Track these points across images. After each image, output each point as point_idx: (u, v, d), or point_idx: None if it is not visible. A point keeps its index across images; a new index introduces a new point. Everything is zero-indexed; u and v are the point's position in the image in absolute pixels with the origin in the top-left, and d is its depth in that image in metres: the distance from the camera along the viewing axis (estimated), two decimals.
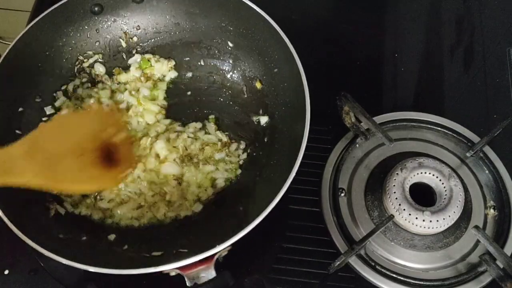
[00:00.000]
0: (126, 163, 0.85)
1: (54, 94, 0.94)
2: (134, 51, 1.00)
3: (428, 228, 0.84)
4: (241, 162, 0.92)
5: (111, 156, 0.82)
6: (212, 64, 1.00)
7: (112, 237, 0.83)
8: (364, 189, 0.93)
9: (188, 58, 1.01)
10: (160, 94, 0.98)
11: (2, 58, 0.85)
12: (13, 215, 0.74)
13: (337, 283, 0.87)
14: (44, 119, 0.92)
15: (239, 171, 0.91)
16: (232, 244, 0.71)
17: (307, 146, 0.77)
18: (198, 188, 0.88)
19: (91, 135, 0.82)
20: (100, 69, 0.98)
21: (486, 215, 0.91)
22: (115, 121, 0.88)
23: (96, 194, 0.87)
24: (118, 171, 0.83)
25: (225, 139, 0.93)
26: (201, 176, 0.89)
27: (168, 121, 0.95)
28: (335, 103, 0.98)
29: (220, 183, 0.89)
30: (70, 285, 0.86)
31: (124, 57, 1.00)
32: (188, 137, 0.92)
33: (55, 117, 0.90)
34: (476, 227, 0.86)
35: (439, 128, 1.00)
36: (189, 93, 0.99)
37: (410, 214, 0.84)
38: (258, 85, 0.96)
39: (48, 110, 0.92)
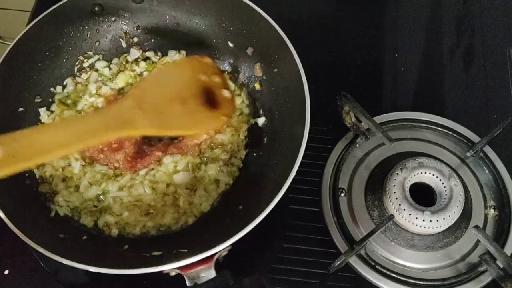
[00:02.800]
0: (226, 105, 0.88)
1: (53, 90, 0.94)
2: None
3: (428, 228, 0.84)
4: (241, 163, 0.92)
5: (211, 99, 0.86)
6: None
7: (112, 237, 0.83)
8: (364, 189, 0.93)
9: None
10: None
11: (2, 58, 0.85)
12: (13, 215, 0.74)
13: (337, 283, 0.87)
14: (42, 120, 0.92)
15: (238, 172, 0.91)
16: (232, 244, 0.71)
17: (307, 146, 0.77)
18: (205, 192, 0.88)
19: (189, 82, 0.86)
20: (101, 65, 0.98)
21: (486, 215, 0.91)
22: (207, 67, 0.91)
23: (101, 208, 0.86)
24: (220, 113, 0.86)
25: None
26: (208, 179, 0.89)
27: None
28: (335, 103, 0.98)
29: (222, 185, 0.89)
30: (70, 285, 0.86)
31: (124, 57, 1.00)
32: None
33: (154, 71, 0.96)
34: (476, 227, 0.86)
35: (439, 128, 1.00)
36: None
37: (410, 214, 0.84)
38: (257, 85, 0.96)
39: (43, 111, 0.92)
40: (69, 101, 0.94)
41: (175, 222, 0.85)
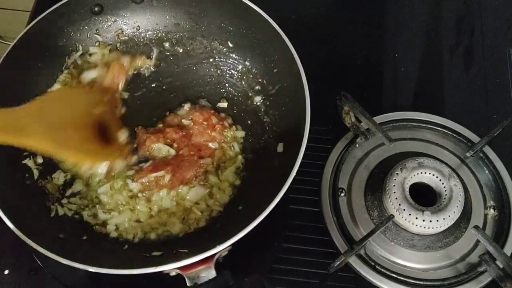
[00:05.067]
0: (117, 146, 0.86)
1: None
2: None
3: (428, 228, 0.84)
4: (242, 163, 0.92)
5: (106, 134, 0.84)
6: (212, 64, 1.00)
7: (112, 237, 0.83)
8: (364, 189, 0.93)
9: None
10: None
11: (2, 58, 0.85)
12: (13, 215, 0.74)
13: (337, 283, 0.87)
14: None
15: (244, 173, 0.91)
16: (232, 244, 0.71)
17: (307, 146, 0.77)
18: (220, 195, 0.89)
19: (88, 111, 0.84)
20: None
21: (486, 215, 0.91)
22: (108, 100, 0.89)
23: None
24: (111, 151, 0.84)
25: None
26: (225, 184, 0.89)
27: None
28: (335, 103, 0.98)
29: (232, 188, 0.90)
30: (70, 285, 0.86)
31: None
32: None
33: (61, 88, 0.93)
34: (476, 227, 0.86)
35: (439, 128, 1.00)
36: None
37: (410, 214, 0.84)
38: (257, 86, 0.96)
39: None
40: None
41: (183, 230, 0.86)
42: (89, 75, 0.94)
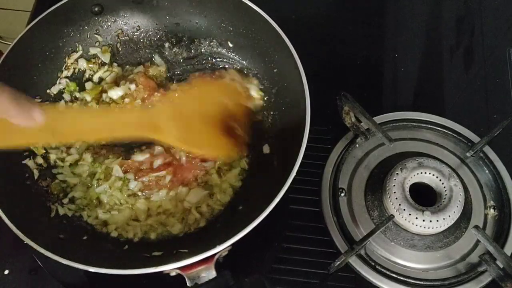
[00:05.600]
0: (241, 141, 0.89)
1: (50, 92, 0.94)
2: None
3: (428, 228, 0.84)
4: (243, 164, 0.92)
5: (228, 130, 0.87)
6: (212, 64, 1.00)
7: (112, 236, 0.83)
8: (364, 189, 0.93)
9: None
10: None
11: (2, 58, 0.85)
12: (13, 215, 0.74)
13: (337, 283, 0.87)
14: None
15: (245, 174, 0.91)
16: (232, 244, 0.71)
17: (307, 146, 0.77)
18: (220, 196, 0.89)
19: (216, 106, 0.88)
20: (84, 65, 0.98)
21: (486, 215, 0.91)
22: (240, 98, 0.93)
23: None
24: (236, 146, 0.88)
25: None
26: (225, 185, 0.89)
27: None
28: (335, 103, 0.98)
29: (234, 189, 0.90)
30: (70, 285, 0.86)
31: None
32: None
33: (192, 81, 0.97)
34: (476, 227, 0.86)
35: (439, 128, 1.00)
36: None
37: (410, 214, 0.84)
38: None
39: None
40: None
41: (183, 230, 0.86)
42: (115, 93, 0.95)
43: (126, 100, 0.94)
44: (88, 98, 0.95)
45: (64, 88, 0.95)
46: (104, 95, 0.95)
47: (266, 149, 0.90)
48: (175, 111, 0.85)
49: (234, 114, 0.90)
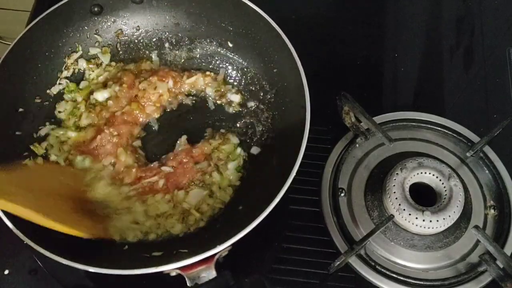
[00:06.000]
0: (98, 225, 0.82)
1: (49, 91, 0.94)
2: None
3: (428, 228, 0.84)
4: (244, 159, 0.92)
5: (85, 210, 0.82)
6: (212, 64, 1.00)
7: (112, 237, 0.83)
8: (364, 189, 0.93)
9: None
10: None
11: (2, 58, 0.85)
12: (13, 215, 0.73)
13: (337, 283, 0.87)
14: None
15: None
16: (232, 244, 0.71)
17: (307, 146, 0.77)
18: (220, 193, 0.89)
19: (68, 187, 0.83)
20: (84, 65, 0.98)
21: (486, 215, 0.91)
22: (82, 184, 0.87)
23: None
24: (93, 228, 0.80)
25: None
26: (225, 181, 0.89)
27: None
28: (335, 103, 0.98)
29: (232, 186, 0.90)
30: (70, 285, 0.86)
31: None
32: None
33: (37, 165, 0.88)
34: (476, 227, 0.86)
35: (439, 128, 1.00)
36: None
37: (410, 214, 0.84)
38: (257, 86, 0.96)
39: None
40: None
41: (183, 230, 0.85)
42: (101, 95, 0.94)
43: (110, 102, 0.94)
44: (79, 98, 0.95)
45: (64, 89, 0.95)
46: (91, 97, 0.95)
47: (255, 150, 0.91)
48: (24, 180, 0.78)
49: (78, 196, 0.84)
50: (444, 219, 0.83)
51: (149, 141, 0.94)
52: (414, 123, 1.00)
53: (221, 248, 0.70)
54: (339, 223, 0.90)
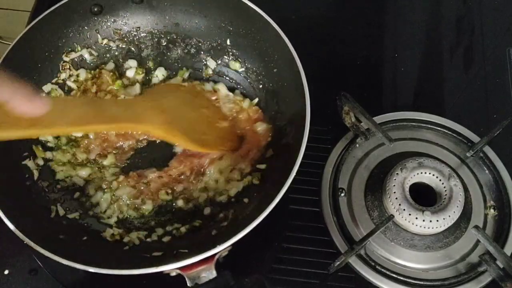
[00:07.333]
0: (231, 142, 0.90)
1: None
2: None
3: (428, 228, 0.84)
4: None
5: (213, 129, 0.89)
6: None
7: (112, 237, 0.83)
8: (364, 189, 0.93)
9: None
10: None
11: (2, 58, 0.85)
12: (13, 215, 0.74)
13: (337, 283, 0.87)
14: None
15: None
16: (233, 244, 0.71)
17: (307, 146, 0.77)
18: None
19: (196, 105, 0.91)
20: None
21: (486, 215, 0.91)
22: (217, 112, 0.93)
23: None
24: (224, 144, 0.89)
25: None
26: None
27: None
28: (335, 103, 0.98)
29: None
30: (70, 285, 0.86)
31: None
32: None
33: (173, 83, 0.98)
34: (476, 227, 0.86)
35: (439, 128, 1.00)
36: None
37: (410, 214, 0.84)
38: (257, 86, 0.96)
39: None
40: None
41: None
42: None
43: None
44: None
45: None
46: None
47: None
48: (156, 103, 0.85)
49: (209, 115, 0.91)
50: (444, 219, 0.83)
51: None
52: (414, 123, 1.00)
53: (221, 248, 0.70)
54: (339, 223, 0.90)
